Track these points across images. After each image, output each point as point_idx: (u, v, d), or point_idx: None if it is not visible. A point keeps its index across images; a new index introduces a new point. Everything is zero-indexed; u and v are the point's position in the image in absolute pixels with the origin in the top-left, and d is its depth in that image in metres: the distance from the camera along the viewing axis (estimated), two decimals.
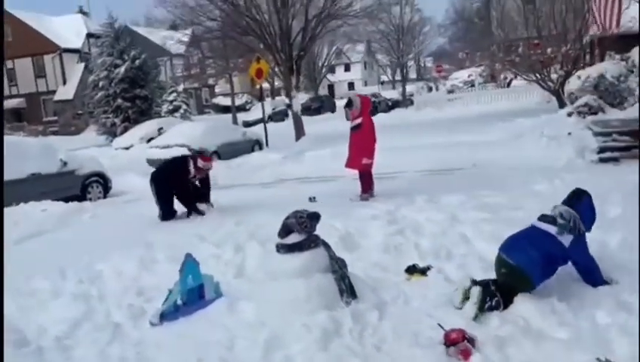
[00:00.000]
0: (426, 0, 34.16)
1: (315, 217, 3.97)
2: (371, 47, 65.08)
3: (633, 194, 5.84)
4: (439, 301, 3.76)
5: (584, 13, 16.86)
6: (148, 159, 17.15)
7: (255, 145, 19.25)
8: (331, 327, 3.42)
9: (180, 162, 7.86)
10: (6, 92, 39.92)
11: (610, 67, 13.76)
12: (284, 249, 3.92)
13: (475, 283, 3.59)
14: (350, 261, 4.39)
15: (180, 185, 7.68)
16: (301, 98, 45.39)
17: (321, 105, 40.16)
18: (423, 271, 4.29)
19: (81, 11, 42.62)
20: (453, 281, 4.02)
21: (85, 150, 21.57)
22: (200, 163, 7.65)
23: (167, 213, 7.71)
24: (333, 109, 41.50)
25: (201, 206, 7.76)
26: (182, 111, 38.52)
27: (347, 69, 64.05)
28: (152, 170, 8.98)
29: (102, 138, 27.73)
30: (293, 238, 3.91)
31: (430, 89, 46.26)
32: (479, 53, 51.13)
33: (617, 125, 11.16)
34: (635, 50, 14.76)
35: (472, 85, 30.71)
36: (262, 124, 31.97)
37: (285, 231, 3.96)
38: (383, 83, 63.14)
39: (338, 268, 3.89)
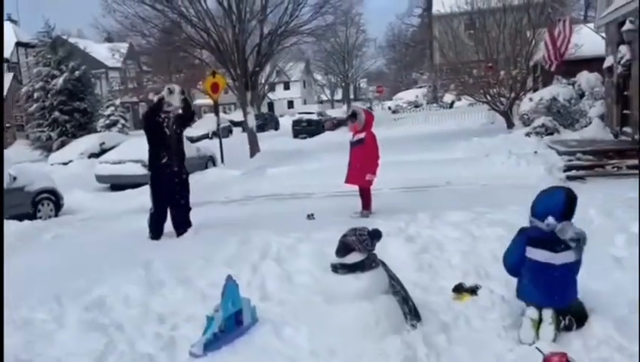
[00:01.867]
0: (368, 22, 34.78)
1: (377, 235, 3.75)
2: (310, 66, 65.83)
3: (604, 209, 6.18)
4: (503, 321, 3.63)
5: (529, 40, 17.73)
6: (97, 175, 16.21)
7: (209, 161, 18.70)
8: (409, 354, 3.20)
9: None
10: None
11: (561, 90, 14.51)
12: (345, 269, 3.66)
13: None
14: None
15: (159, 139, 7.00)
16: (241, 115, 45.00)
17: (265, 123, 39.86)
18: (473, 291, 4.16)
19: (10, 19, 40.17)
20: (508, 301, 3.90)
21: (19, 166, 20.10)
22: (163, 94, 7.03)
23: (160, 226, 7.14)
24: (276, 127, 41.29)
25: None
26: (119, 126, 37.04)
27: (287, 87, 64.13)
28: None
29: (36, 153, 25.95)
30: (354, 257, 3.66)
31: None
32: (424, 75, 52.89)
33: (575, 145, 11.73)
34: (581, 74, 15.68)
35: (417, 106, 31.64)
36: (207, 140, 31.36)
37: (345, 249, 3.71)
38: (322, 102, 63.72)
39: (400, 289, 3.68)
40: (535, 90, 18.28)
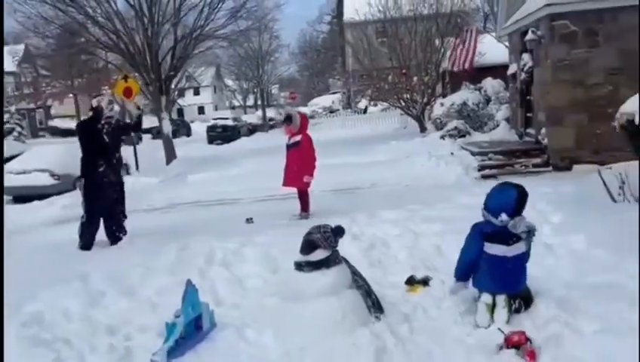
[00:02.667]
0: (282, 29, 34.81)
1: (340, 232, 3.80)
2: (221, 71, 64.82)
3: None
4: (458, 309, 3.83)
5: (439, 48, 18.69)
6: None
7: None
8: (379, 344, 3.29)
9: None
10: None
11: (470, 95, 15.45)
12: (310, 266, 3.68)
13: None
14: None
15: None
16: (152, 121, 43.26)
17: (177, 129, 38.71)
18: (425, 282, 4.34)
19: None
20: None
21: None
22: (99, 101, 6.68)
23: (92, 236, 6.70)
24: (188, 133, 40.27)
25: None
26: (15, 133, 34.52)
27: (197, 92, 62.70)
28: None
29: None
30: (319, 254, 3.69)
31: (281, 113, 47.27)
32: (339, 81, 53.88)
33: (486, 146, 12.54)
34: (486, 80, 16.78)
35: (332, 111, 32.24)
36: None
37: (310, 247, 3.73)
38: (234, 108, 63.04)
39: (363, 283, 3.76)
40: (445, 95, 19.31)
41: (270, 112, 37.19)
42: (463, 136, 14.04)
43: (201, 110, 63.90)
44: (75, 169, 15.41)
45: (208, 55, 25.44)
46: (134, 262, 5.54)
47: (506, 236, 3.75)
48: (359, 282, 3.79)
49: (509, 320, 3.55)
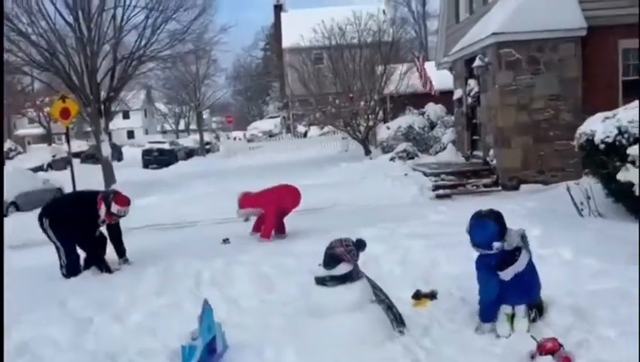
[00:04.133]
0: (220, 52, 34.23)
1: (362, 245, 3.76)
2: (152, 94, 63.30)
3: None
4: (473, 320, 3.88)
5: (381, 74, 19.23)
6: None
7: (57, 194, 16.94)
8: (413, 357, 3.27)
9: (86, 199, 6.30)
10: None
11: (416, 119, 15.98)
12: (335, 281, 3.60)
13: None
14: None
15: (83, 230, 6.16)
16: (79, 145, 41.34)
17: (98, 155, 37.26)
18: (433, 296, 4.37)
19: None
20: (468, 301, 4.17)
21: None
22: (114, 207, 6.12)
23: (76, 264, 6.14)
24: (120, 157, 38.77)
25: (114, 265, 6.30)
26: None
27: (126, 116, 60.75)
28: None
29: None
30: (343, 268, 3.63)
31: (218, 137, 46.74)
32: (279, 105, 53.92)
33: (436, 167, 12.97)
34: (428, 105, 17.45)
35: (271, 135, 32.23)
36: (42, 172, 28.28)
37: (334, 261, 3.65)
38: (165, 132, 61.56)
39: (384, 297, 3.73)
40: (386, 120, 19.88)
41: (206, 137, 36.65)
42: (412, 158, 14.45)
43: (130, 134, 61.92)
44: (6, 195, 14.53)
45: (139, 77, 24.78)
46: (116, 285, 5.23)
47: (510, 256, 3.83)
48: (380, 296, 3.77)
49: (529, 329, 3.64)
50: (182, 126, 61.45)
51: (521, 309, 3.72)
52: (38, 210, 6.62)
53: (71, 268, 6.07)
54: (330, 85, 19.60)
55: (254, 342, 3.81)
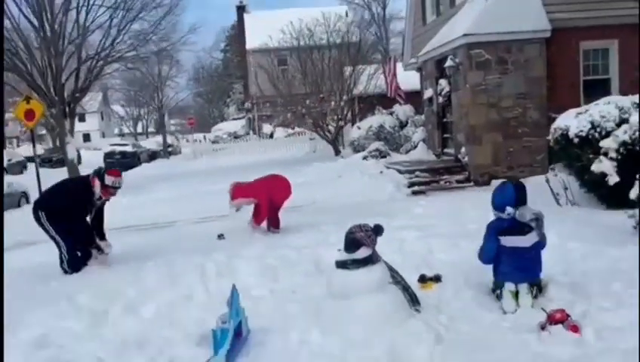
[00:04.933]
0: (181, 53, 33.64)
1: (380, 230, 3.96)
2: (109, 97, 61.91)
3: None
4: (479, 300, 4.15)
5: (348, 77, 19.53)
6: None
7: (22, 197, 16.53)
8: (435, 332, 3.50)
9: (81, 183, 6.28)
10: None
11: (387, 119, 16.36)
12: (356, 264, 3.78)
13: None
14: None
15: (80, 215, 6.12)
16: (38, 149, 40.03)
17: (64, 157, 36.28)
18: (438, 279, 4.61)
19: None
20: (470, 284, 4.44)
21: None
22: (108, 179, 6.13)
23: (78, 260, 6.08)
24: (79, 160, 37.76)
25: (102, 243, 6.35)
26: None
27: (82, 119, 59.12)
28: None
29: None
30: (364, 252, 3.81)
31: (177, 140, 46.13)
32: (245, 106, 53.45)
33: (409, 165, 13.34)
34: (397, 105, 17.86)
35: (237, 137, 32.10)
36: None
37: (355, 245, 3.83)
38: (123, 135, 60.27)
39: (400, 279, 3.95)
40: (354, 120, 20.23)
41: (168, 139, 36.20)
42: (384, 156, 14.77)
43: (86, 137, 60.34)
44: None
45: (105, 78, 24.34)
46: (121, 280, 5.26)
47: (519, 227, 4.15)
48: (397, 278, 3.98)
49: (533, 304, 3.93)
50: (139, 129, 60.38)
51: (524, 287, 4.01)
52: (30, 205, 6.56)
53: (73, 264, 6.03)
54: (299, 86, 19.76)
55: (275, 326, 3.95)
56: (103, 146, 36.34)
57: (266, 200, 7.43)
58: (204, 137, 38.48)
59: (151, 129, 60.52)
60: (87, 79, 18.49)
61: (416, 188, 11.83)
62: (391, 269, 4.06)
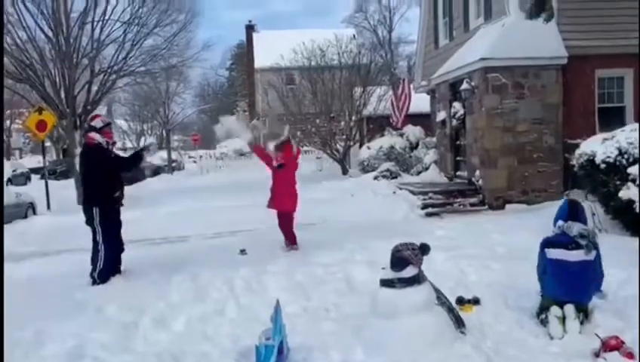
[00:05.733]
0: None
1: (426, 249, 3.89)
2: (112, 111, 62.10)
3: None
4: (520, 324, 4.06)
5: (360, 96, 19.64)
6: None
7: (29, 208, 16.39)
8: (484, 355, 3.40)
9: (88, 153, 6.18)
10: None
11: (397, 140, 16.37)
12: (403, 283, 3.71)
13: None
14: None
15: (115, 172, 6.20)
16: (38, 161, 40.04)
17: (69, 169, 36.20)
18: (476, 301, 4.52)
19: None
20: (511, 307, 4.36)
21: None
22: (97, 122, 6.18)
23: (109, 271, 6.00)
24: None
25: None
26: None
27: None
28: None
29: None
30: (411, 271, 3.74)
31: (181, 155, 46.13)
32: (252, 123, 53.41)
33: (421, 186, 13.29)
34: (407, 127, 17.89)
35: (242, 154, 32.15)
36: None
37: (402, 264, 3.76)
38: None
39: (445, 300, 3.86)
40: (362, 141, 20.27)
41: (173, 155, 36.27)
42: (395, 177, 14.75)
43: None
44: None
45: (116, 91, 24.45)
46: (147, 293, 5.17)
47: (565, 241, 4.17)
48: (442, 299, 3.90)
49: (581, 330, 3.84)
50: (142, 144, 60.47)
51: (571, 311, 3.92)
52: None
53: (104, 274, 5.94)
54: (309, 105, 19.83)
55: (313, 344, 3.86)
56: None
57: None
58: (212, 154, 38.46)
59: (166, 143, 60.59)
60: (99, 92, 18.54)
61: (429, 209, 11.75)
62: (436, 290, 3.97)
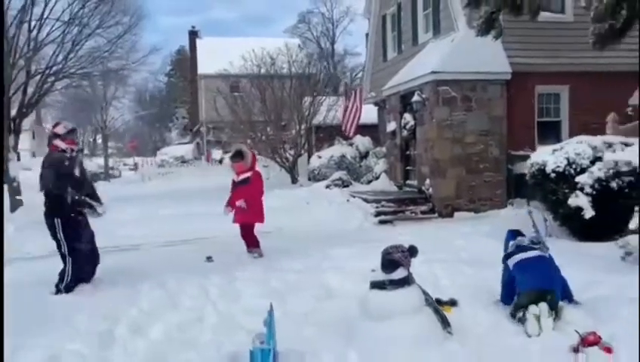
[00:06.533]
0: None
1: (414, 252, 3.97)
2: (41, 115, 59.12)
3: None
4: (499, 323, 4.24)
5: (310, 104, 19.75)
6: None
7: None
8: (477, 353, 3.52)
9: (52, 161, 5.80)
10: None
11: (348, 150, 16.62)
12: (394, 284, 3.77)
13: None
14: None
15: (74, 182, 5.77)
16: None
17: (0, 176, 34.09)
18: (453, 303, 4.66)
19: None
20: (486, 307, 4.54)
21: None
22: (59, 129, 5.86)
23: (75, 280, 5.70)
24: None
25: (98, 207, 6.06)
26: None
27: None
28: None
29: None
30: (401, 273, 3.81)
31: (118, 163, 44.64)
32: (172, 133, 52.49)
33: (372, 195, 13.53)
34: (356, 137, 18.20)
35: (184, 161, 31.43)
36: None
37: (393, 265, 3.82)
38: None
39: (432, 301, 3.96)
40: (310, 150, 20.41)
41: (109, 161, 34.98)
42: (347, 186, 14.93)
43: (17, 156, 57.04)
44: None
45: (54, 95, 23.37)
46: (118, 301, 4.98)
47: (522, 249, 4.67)
48: (429, 300, 4.00)
49: (554, 327, 4.06)
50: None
51: (544, 310, 4.14)
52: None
53: (70, 285, 5.64)
54: (258, 113, 19.73)
55: (299, 349, 3.85)
56: (34, 166, 34.50)
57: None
58: (153, 161, 37.34)
59: (85, 151, 58.24)
60: (35, 94, 17.68)
61: (382, 217, 11.98)
62: (423, 291, 4.08)
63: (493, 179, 12.39)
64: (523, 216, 8.60)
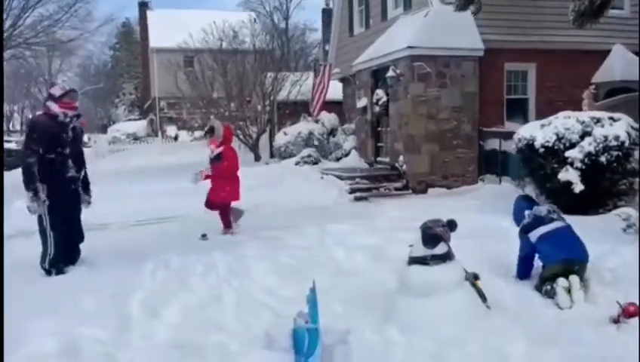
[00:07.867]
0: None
1: (454, 225, 3.83)
2: None
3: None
4: (525, 297, 4.21)
5: (271, 82, 19.32)
6: None
7: None
8: (524, 327, 3.47)
9: (37, 123, 5.42)
10: None
11: (316, 126, 16.40)
12: (437, 259, 3.63)
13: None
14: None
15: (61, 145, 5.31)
16: None
17: None
18: (476, 277, 4.57)
19: None
20: (508, 282, 4.51)
21: None
22: (55, 90, 5.50)
23: (59, 260, 5.28)
24: None
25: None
26: None
27: None
28: None
29: None
30: (443, 248, 3.68)
31: None
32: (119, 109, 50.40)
33: (343, 171, 13.42)
34: (322, 114, 18.00)
35: (136, 138, 30.18)
36: None
37: (435, 240, 3.68)
38: None
39: (469, 276, 3.86)
40: (273, 126, 20.05)
41: None
42: (316, 163, 14.75)
43: None
44: None
45: None
46: (123, 282, 4.65)
47: (540, 221, 4.58)
48: (467, 274, 3.91)
49: (585, 299, 4.07)
50: (13, 127, 54.81)
51: (575, 281, 4.14)
52: None
53: (56, 263, 5.22)
54: (220, 88, 19.14)
55: (339, 327, 3.68)
56: None
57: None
58: (112, 137, 35.64)
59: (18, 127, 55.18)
60: None
61: (357, 194, 11.88)
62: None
63: (466, 155, 12.51)
64: (502, 190, 8.78)
